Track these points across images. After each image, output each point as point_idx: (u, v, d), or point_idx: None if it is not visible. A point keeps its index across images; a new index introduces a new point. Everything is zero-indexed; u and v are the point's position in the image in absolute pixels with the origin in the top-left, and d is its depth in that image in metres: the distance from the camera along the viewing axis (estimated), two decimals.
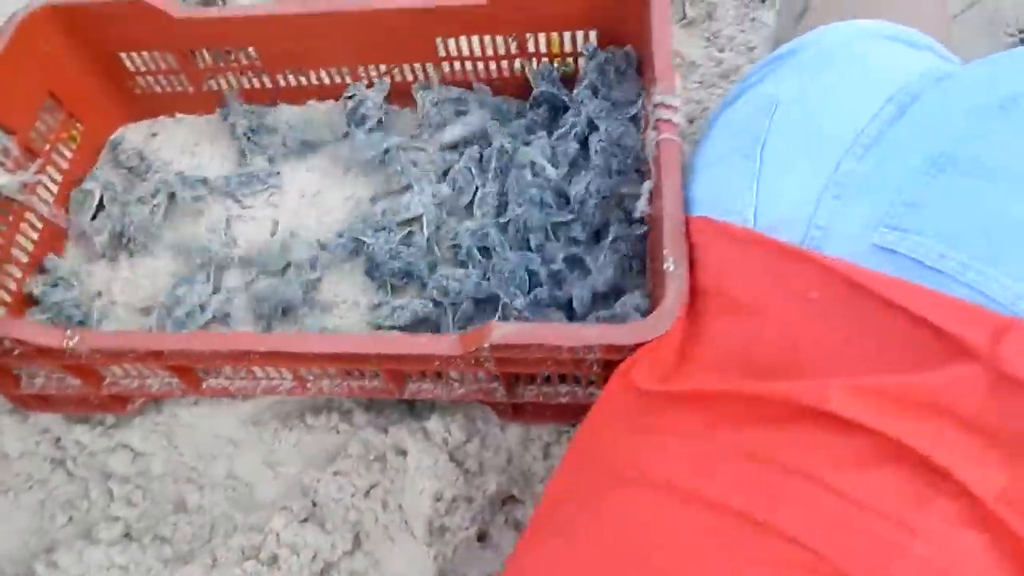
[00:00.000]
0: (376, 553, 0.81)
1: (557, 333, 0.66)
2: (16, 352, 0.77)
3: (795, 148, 0.65)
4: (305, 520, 0.82)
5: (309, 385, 0.83)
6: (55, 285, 0.95)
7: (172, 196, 1.02)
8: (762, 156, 0.66)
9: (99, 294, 0.97)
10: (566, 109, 0.97)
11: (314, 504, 0.84)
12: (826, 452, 0.50)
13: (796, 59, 0.72)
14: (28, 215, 0.98)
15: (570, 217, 0.89)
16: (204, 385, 0.85)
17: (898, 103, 0.63)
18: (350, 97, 1.04)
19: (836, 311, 0.55)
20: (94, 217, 1.02)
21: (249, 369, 0.83)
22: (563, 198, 0.91)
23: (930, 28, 0.77)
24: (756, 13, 1.18)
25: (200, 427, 0.91)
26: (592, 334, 0.65)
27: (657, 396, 0.59)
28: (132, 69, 1.06)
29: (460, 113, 1.01)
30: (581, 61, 0.99)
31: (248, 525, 0.84)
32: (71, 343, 0.74)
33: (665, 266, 0.67)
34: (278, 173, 1.03)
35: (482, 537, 0.82)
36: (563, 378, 0.80)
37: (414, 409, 0.88)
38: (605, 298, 0.83)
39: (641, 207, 0.81)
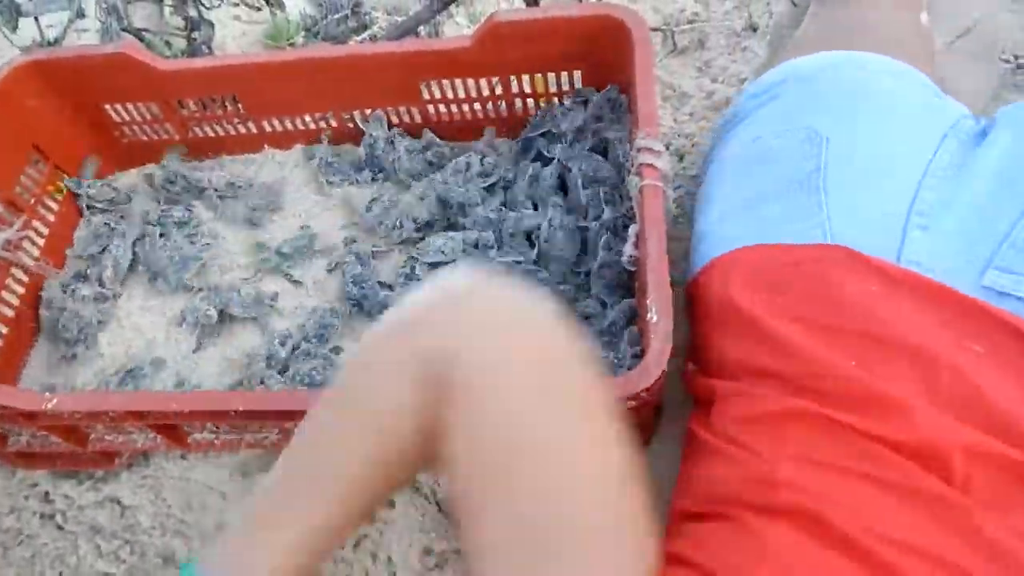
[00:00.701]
0: None
1: None
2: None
3: (862, 182, 0.65)
4: None
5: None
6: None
7: None
8: (826, 189, 0.65)
9: None
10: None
11: None
12: None
13: (809, 91, 0.73)
14: (14, 270, 0.98)
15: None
16: (189, 440, 0.84)
17: (957, 138, 0.66)
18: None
19: (1009, 362, 0.54)
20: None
21: (233, 425, 0.82)
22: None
23: (916, 62, 0.77)
24: (747, 43, 1.17)
25: (188, 479, 0.90)
26: None
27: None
28: (117, 120, 1.06)
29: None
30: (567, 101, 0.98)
31: None
32: (49, 406, 0.73)
33: (648, 316, 0.66)
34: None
35: None
36: None
37: None
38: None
39: (628, 251, 0.80)
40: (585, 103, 0.95)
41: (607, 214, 0.87)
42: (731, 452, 0.58)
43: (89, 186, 1.06)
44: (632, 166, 0.77)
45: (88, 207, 1.07)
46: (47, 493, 0.93)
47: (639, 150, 0.76)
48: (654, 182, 0.74)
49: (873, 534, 0.48)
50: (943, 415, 0.53)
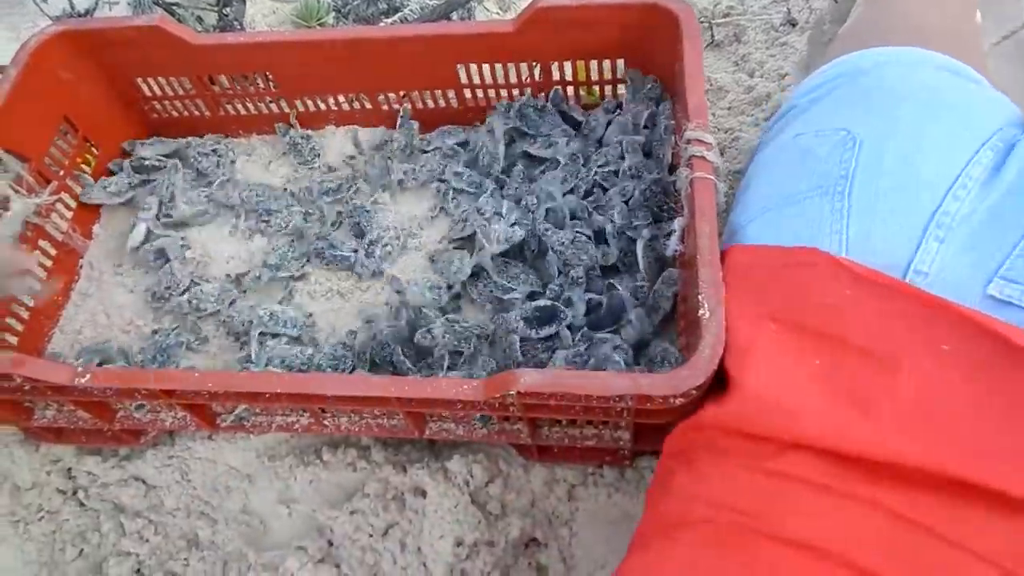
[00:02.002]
0: None
1: (586, 382, 0.63)
2: (27, 388, 0.75)
3: (888, 189, 0.63)
4: (321, 560, 0.80)
5: (327, 423, 0.81)
6: None
7: None
8: (850, 196, 0.64)
9: None
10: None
11: (330, 544, 0.82)
12: (1003, 535, 0.49)
13: (856, 89, 0.71)
14: (42, 242, 0.96)
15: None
16: (219, 421, 0.83)
17: (994, 148, 0.63)
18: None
19: (971, 364, 0.54)
20: None
21: (264, 406, 0.81)
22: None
23: (971, 60, 0.76)
24: (786, 38, 1.15)
25: (214, 461, 0.89)
26: (623, 384, 0.63)
27: (784, 446, 0.56)
28: (148, 94, 1.04)
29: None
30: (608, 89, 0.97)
31: (262, 564, 0.82)
32: (81, 381, 0.72)
33: (700, 312, 0.64)
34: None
35: None
36: (589, 421, 0.77)
37: (434, 446, 0.86)
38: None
39: (673, 245, 0.79)
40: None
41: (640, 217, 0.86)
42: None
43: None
44: (681, 159, 0.76)
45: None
46: (70, 469, 0.92)
47: (689, 142, 0.74)
48: (705, 175, 0.72)
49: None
50: (896, 428, 0.54)
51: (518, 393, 0.64)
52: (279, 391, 0.70)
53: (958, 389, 0.55)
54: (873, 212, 0.63)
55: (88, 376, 0.72)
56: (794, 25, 1.19)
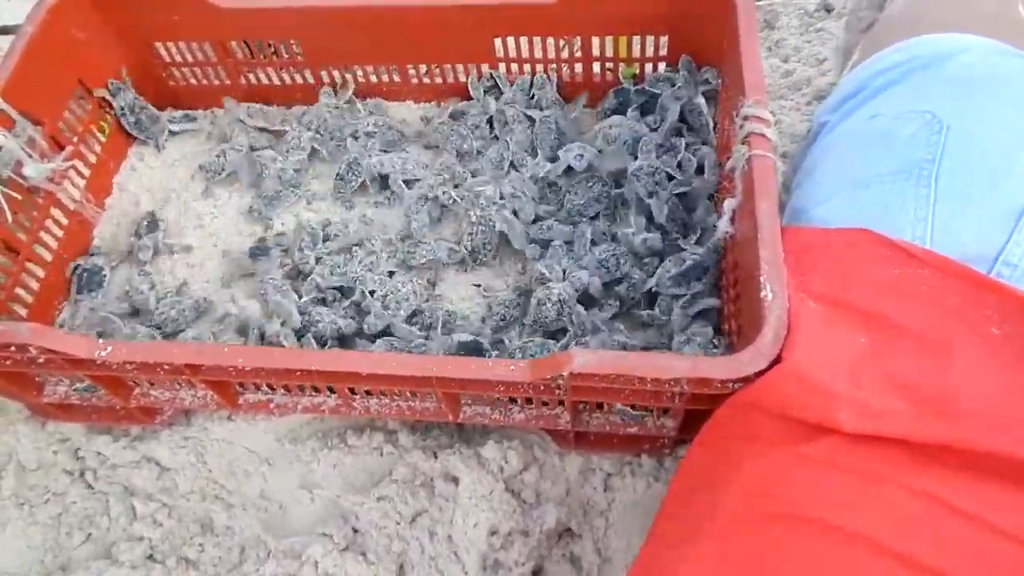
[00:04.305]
0: None
1: (644, 363, 0.60)
2: (42, 360, 0.71)
3: (979, 176, 0.61)
4: (346, 549, 0.77)
5: (355, 404, 0.77)
6: None
7: None
8: (937, 180, 0.61)
9: None
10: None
11: (355, 531, 0.78)
12: None
13: (938, 74, 0.69)
14: (54, 211, 0.92)
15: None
16: (241, 400, 0.79)
17: None
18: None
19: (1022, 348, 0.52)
20: None
21: (291, 385, 0.77)
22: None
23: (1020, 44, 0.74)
24: (822, 24, 1.12)
25: (232, 443, 0.85)
26: (682, 366, 0.60)
27: (819, 430, 0.53)
28: (167, 60, 1.00)
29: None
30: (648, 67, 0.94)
31: (282, 551, 0.78)
32: (102, 354, 0.68)
33: (762, 294, 0.61)
34: None
35: (536, 573, 0.76)
36: (633, 406, 0.74)
37: (464, 432, 0.83)
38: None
39: (723, 227, 0.76)
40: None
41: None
42: None
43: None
44: (737, 136, 0.73)
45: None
46: (78, 450, 0.88)
47: (746, 119, 0.71)
48: (764, 153, 0.69)
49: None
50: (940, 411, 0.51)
51: (569, 375, 0.61)
52: (312, 368, 0.66)
53: (1007, 373, 0.53)
54: (962, 199, 0.61)
55: (109, 349, 0.68)
56: (829, 11, 1.16)
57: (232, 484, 0.84)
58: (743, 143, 0.71)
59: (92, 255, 0.94)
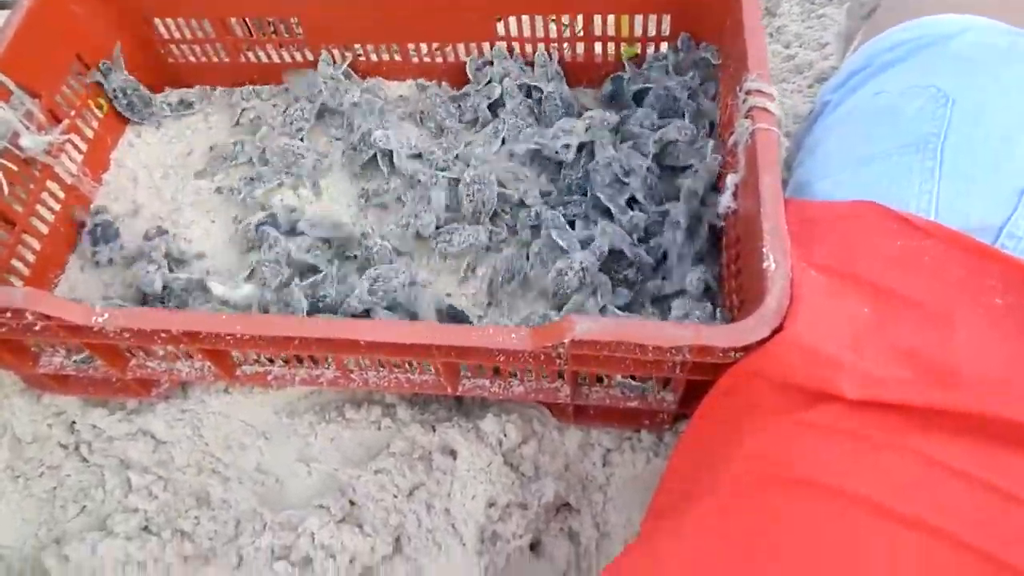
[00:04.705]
0: (419, 559, 0.75)
1: (646, 331, 0.60)
2: (38, 327, 0.71)
3: (986, 149, 0.61)
4: (342, 520, 0.76)
5: (354, 376, 0.77)
6: None
7: None
8: (942, 153, 0.61)
9: None
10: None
11: (352, 504, 0.78)
12: None
13: (943, 51, 0.69)
14: (51, 184, 0.91)
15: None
16: (238, 372, 0.79)
17: None
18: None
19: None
20: None
21: (290, 356, 0.77)
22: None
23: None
24: (823, 10, 1.13)
25: (229, 416, 0.85)
26: (685, 334, 0.59)
27: (819, 397, 0.53)
28: (165, 36, 1.00)
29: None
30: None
31: (279, 523, 0.78)
32: (100, 320, 0.67)
33: (765, 264, 0.61)
34: None
35: (534, 546, 0.76)
36: (633, 378, 0.74)
37: (463, 406, 0.82)
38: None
39: (725, 203, 0.76)
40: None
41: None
42: None
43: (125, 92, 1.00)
44: (740, 111, 0.73)
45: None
46: (73, 423, 0.88)
47: (749, 92, 0.71)
48: (768, 126, 0.69)
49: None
50: (942, 377, 0.51)
51: (571, 342, 0.61)
52: (311, 336, 0.66)
53: (1010, 343, 0.53)
54: (967, 172, 0.61)
55: (107, 316, 0.68)
56: None
57: (228, 457, 0.84)
58: (746, 117, 0.71)
59: (98, 213, 0.94)
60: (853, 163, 0.68)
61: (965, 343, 0.53)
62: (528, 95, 0.95)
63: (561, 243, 0.81)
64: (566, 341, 0.61)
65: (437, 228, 0.88)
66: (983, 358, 0.53)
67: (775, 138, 0.68)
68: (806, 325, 0.57)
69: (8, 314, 0.68)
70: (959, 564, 0.44)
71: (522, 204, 0.89)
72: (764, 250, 0.62)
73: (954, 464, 0.48)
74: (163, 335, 0.69)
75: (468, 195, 0.87)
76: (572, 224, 0.86)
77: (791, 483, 0.51)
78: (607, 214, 0.86)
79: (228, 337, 0.68)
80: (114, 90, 0.99)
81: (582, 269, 0.79)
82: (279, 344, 0.70)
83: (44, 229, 0.90)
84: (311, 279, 0.83)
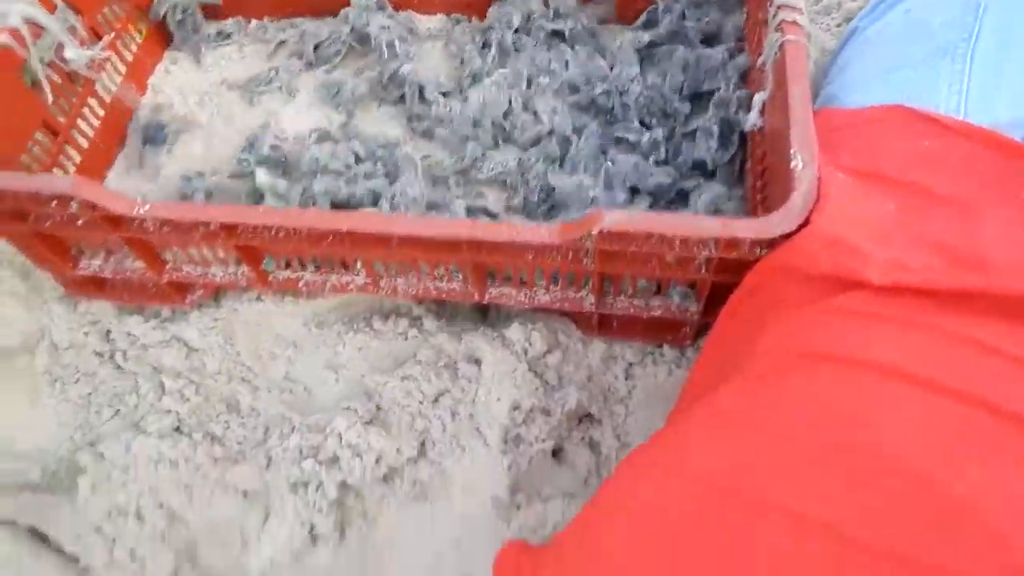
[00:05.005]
0: (443, 462, 0.77)
1: (674, 223, 0.61)
2: (81, 222, 0.73)
3: (1017, 50, 0.62)
4: (369, 423, 0.78)
5: (383, 283, 0.79)
6: None
7: None
8: (973, 56, 0.62)
9: None
10: None
11: (378, 409, 0.79)
12: None
13: None
14: (91, 100, 0.94)
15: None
16: (271, 277, 0.81)
17: None
18: None
19: None
20: None
21: (321, 261, 0.79)
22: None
23: None
24: None
25: (260, 325, 0.87)
26: (712, 226, 0.61)
27: (847, 284, 0.54)
28: None
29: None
30: None
31: (307, 426, 0.80)
32: (141, 211, 0.70)
33: (793, 164, 0.62)
34: None
35: (556, 453, 0.77)
36: (657, 291, 0.75)
37: (488, 318, 0.84)
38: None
39: (752, 120, 0.77)
40: None
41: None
42: None
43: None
44: (769, 26, 0.74)
45: None
46: (109, 331, 0.90)
47: (779, 7, 0.72)
48: (797, 38, 0.70)
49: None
50: (971, 262, 0.52)
51: (599, 234, 0.62)
52: (346, 229, 0.68)
53: None
54: (997, 72, 0.62)
55: (148, 207, 0.70)
56: None
57: (258, 366, 0.86)
58: (776, 31, 0.72)
59: (146, 117, 0.98)
60: (882, 74, 0.69)
61: (994, 235, 0.54)
62: (553, 29, 0.97)
63: (590, 166, 0.83)
64: (594, 233, 0.62)
65: (465, 158, 0.89)
66: (1013, 248, 0.53)
67: (804, 50, 0.69)
68: (832, 218, 0.58)
69: (54, 204, 0.70)
70: (994, 429, 0.45)
71: (550, 133, 0.91)
72: (792, 152, 0.63)
73: (985, 341, 0.49)
74: (201, 229, 0.71)
75: (497, 123, 0.89)
76: (603, 151, 0.87)
77: (814, 358, 0.52)
78: (625, 141, 0.87)
79: (264, 231, 0.70)
80: (174, 6, 1.01)
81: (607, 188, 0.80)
82: (314, 239, 0.71)
83: (84, 143, 0.92)
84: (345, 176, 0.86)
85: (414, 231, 0.67)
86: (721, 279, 0.67)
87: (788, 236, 0.60)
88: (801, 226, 0.59)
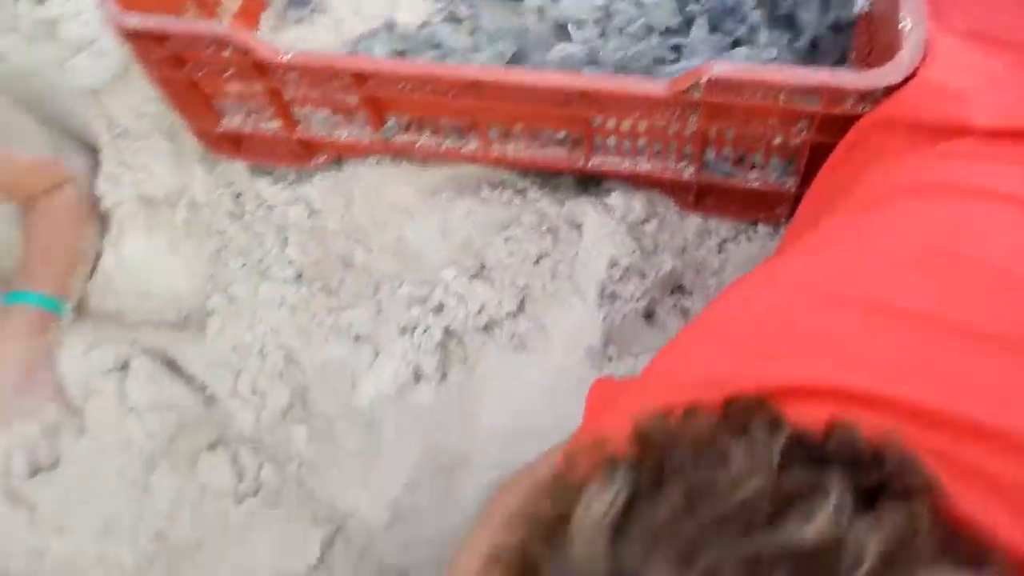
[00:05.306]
0: (541, 317, 0.82)
1: (782, 72, 0.64)
2: (230, 71, 0.81)
3: None
4: (474, 276, 0.84)
5: (493, 148, 0.84)
6: None
7: None
8: None
9: None
10: None
11: (483, 266, 0.85)
12: None
13: None
14: None
15: None
16: (391, 141, 0.87)
17: None
18: None
19: None
20: None
21: (437, 126, 0.84)
22: None
23: None
24: None
25: (377, 191, 0.94)
26: (819, 75, 0.64)
27: (955, 131, 0.56)
28: None
29: None
30: None
31: (416, 279, 0.86)
32: (285, 58, 0.77)
33: (901, 26, 0.64)
34: None
35: (648, 315, 0.81)
36: (754, 164, 0.78)
37: (590, 188, 0.89)
38: None
39: (860, 4, 0.78)
40: None
41: None
42: None
43: None
44: None
45: None
46: (240, 194, 0.98)
47: None
48: None
49: None
50: None
51: (707, 84, 0.66)
52: (468, 78, 0.73)
53: None
54: None
55: (291, 54, 0.77)
56: None
57: (373, 230, 0.93)
58: None
59: None
60: None
61: None
62: None
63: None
64: (703, 82, 0.66)
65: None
66: None
67: None
68: (939, 69, 0.60)
69: (211, 49, 0.78)
70: None
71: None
72: (900, 14, 0.65)
73: None
74: (338, 78, 0.78)
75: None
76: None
77: (917, 188, 0.54)
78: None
79: (393, 81, 0.76)
80: None
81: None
82: (440, 90, 0.76)
83: (234, 7, 1.00)
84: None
85: (530, 80, 0.72)
86: (822, 140, 0.70)
87: (893, 89, 0.62)
88: (907, 79, 0.62)
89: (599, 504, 0.29)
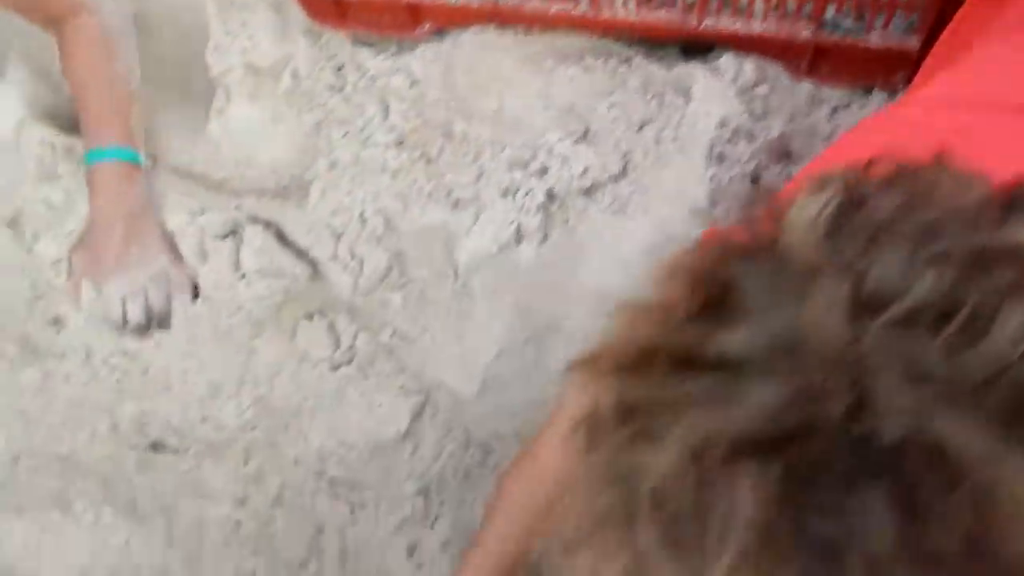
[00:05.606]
0: (644, 180, 0.82)
1: None
2: None
3: None
4: (578, 140, 0.84)
5: (603, 11, 0.83)
6: None
7: None
8: None
9: None
10: None
11: (587, 131, 0.85)
12: None
13: None
14: None
15: None
16: (499, 4, 0.87)
17: None
18: None
19: None
20: None
21: None
22: None
23: None
24: None
25: (480, 60, 0.94)
26: None
27: None
28: None
29: None
30: None
31: (518, 144, 0.86)
32: None
33: None
34: None
35: (755, 180, 0.81)
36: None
37: (699, 56, 0.87)
38: None
39: None
40: None
41: None
42: None
43: None
44: None
45: None
46: (342, 67, 0.99)
47: None
48: None
49: None
50: None
51: None
52: None
53: None
54: None
55: None
56: None
57: (473, 99, 0.93)
58: None
59: None
60: None
61: None
62: None
63: None
64: None
65: None
66: None
67: None
68: None
69: None
70: None
71: None
72: None
73: None
74: None
75: None
76: None
77: None
78: None
79: None
80: None
81: None
82: None
83: None
84: None
85: None
86: None
87: None
88: None
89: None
